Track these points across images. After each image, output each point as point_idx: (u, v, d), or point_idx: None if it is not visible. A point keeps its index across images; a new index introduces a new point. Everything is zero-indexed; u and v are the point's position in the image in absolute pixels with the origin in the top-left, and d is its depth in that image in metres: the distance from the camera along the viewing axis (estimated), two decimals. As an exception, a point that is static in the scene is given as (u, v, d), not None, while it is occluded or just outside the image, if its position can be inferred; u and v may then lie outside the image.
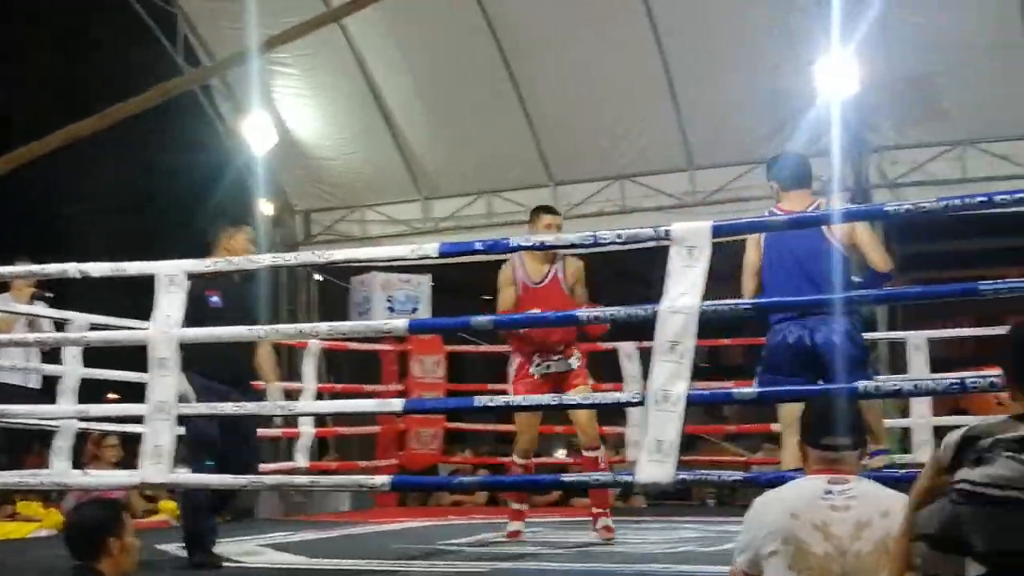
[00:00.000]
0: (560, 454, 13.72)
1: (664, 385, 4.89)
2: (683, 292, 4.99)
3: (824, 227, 5.66)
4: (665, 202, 12.31)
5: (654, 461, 4.87)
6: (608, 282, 19.64)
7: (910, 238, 12.70)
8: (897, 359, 11.02)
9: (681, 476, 4.90)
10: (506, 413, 9.27)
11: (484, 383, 12.11)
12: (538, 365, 6.95)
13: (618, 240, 5.30)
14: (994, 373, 5.12)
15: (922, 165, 11.61)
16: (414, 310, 12.06)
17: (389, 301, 11.97)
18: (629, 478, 4.98)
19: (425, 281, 12.28)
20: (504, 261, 7.02)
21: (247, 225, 6.58)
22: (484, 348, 11.73)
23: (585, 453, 7.12)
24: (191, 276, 5.63)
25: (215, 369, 6.07)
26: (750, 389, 5.14)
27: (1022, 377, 2.77)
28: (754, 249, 5.83)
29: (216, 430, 6.09)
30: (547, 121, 12.60)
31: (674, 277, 5.04)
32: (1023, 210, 4.87)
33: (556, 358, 6.98)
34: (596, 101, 12.20)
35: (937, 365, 9.70)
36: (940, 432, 9.93)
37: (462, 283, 16.27)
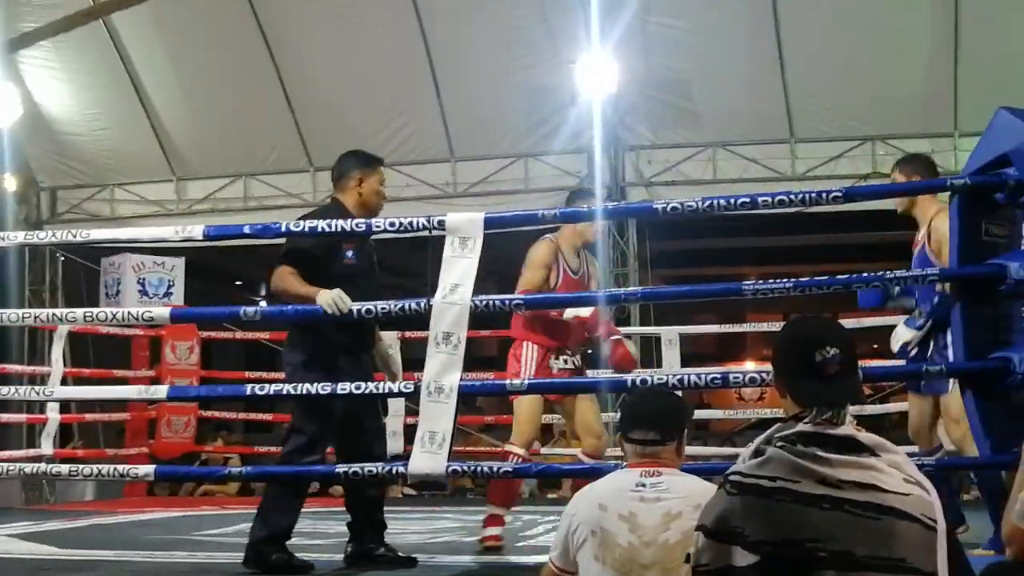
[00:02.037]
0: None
1: (437, 377, 4.88)
2: (456, 283, 4.98)
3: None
4: (426, 192, 12.33)
5: (427, 452, 4.85)
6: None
7: (661, 236, 13.13)
8: (647, 353, 11.36)
9: (453, 468, 4.90)
10: (272, 401, 9.09)
11: (239, 370, 11.91)
12: (557, 359, 6.24)
13: (391, 228, 5.24)
14: (751, 369, 5.32)
15: (676, 165, 11.98)
16: (167, 294, 11.74)
17: (141, 284, 11.61)
18: (402, 469, 4.94)
19: (179, 264, 11.96)
20: (540, 235, 6.38)
21: (382, 165, 5.85)
22: (239, 335, 11.51)
23: (587, 460, 6.23)
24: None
25: (322, 337, 5.46)
26: (520, 380, 5.19)
27: (788, 375, 2.83)
28: None
29: (330, 415, 5.44)
30: (308, 106, 12.45)
31: (447, 267, 5.03)
32: (771, 212, 5.07)
33: (574, 354, 6.33)
34: (359, 89, 12.13)
35: (683, 360, 10.04)
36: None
37: (214, 267, 15.96)
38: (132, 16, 11.93)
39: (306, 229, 5.21)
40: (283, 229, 5.35)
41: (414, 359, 10.57)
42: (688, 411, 3.74)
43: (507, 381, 5.09)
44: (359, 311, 5.10)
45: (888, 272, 4.88)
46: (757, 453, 2.75)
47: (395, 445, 9.99)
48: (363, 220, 5.36)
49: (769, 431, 2.78)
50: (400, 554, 5.63)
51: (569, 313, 6.16)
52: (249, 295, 20.41)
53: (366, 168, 5.71)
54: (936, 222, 5.63)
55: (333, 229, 5.16)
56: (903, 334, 5.84)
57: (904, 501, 2.59)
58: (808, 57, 11.21)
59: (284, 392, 5.19)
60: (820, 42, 11.12)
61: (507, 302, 5.07)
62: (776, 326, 9.27)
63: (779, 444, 2.69)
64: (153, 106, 12.65)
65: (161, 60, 12.39)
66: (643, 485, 3.30)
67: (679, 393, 4.52)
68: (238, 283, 20.53)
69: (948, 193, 4.71)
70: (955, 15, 10.63)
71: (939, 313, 5.50)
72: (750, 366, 18.05)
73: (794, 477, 2.60)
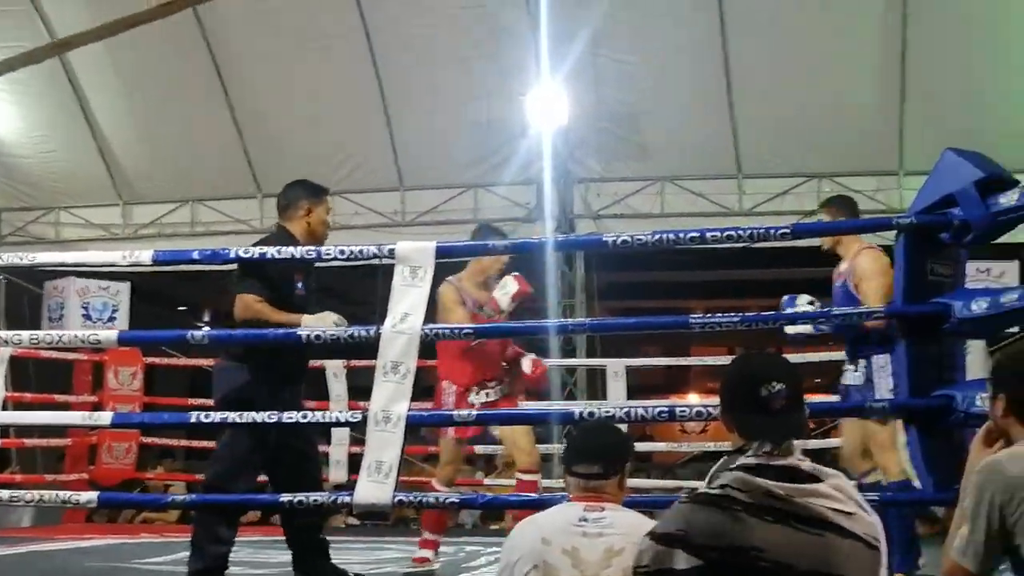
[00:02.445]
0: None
1: (385, 406, 4.87)
2: (406, 312, 4.98)
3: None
4: (375, 220, 12.31)
5: (373, 482, 4.83)
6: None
7: (608, 268, 13.18)
8: (592, 385, 11.39)
9: (399, 498, 4.88)
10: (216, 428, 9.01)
11: (182, 396, 11.79)
12: (478, 394, 6.42)
13: (341, 256, 5.24)
14: (697, 402, 5.35)
15: (624, 198, 12.04)
16: (111, 318, 11.62)
17: (85, 308, 11.49)
18: (347, 499, 4.91)
19: (124, 289, 11.84)
20: (440, 282, 6.29)
21: (328, 194, 5.81)
22: (183, 361, 11.40)
23: (522, 476, 6.47)
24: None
25: (267, 363, 5.40)
26: (468, 411, 5.17)
27: (735, 410, 2.89)
28: None
29: (252, 443, 5.35)
30: (257, 132, 12.41)
31: (397, 296, 5.03)
32: (719, 246, 5.12)
33: (494, 384, 6.50)
34: (309, 116, 12.13)
35: (628, 392, 10.04)
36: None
37: (160, 293, 15.84)
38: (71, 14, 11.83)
39: (256, 255, 5.20)
40: (232, 255, 5.32)
41: (359, 387, 10.56)
42: (631, 445, 3.75)
43: (455, 412, 5.07)
44: (308, 336, 5.09)
45: (834, 308, 4.96)
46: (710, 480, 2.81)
47: (338, 474, 9.94)
48: (313, 248, 5.35)
49: (715, 467, 2.82)
50: (352, 573, 5.60)
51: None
52: (194, 320, 20.27)
53: (314, 198, 5.67)
54: (860, 259, 5.79)
55: (284, 256, 5.15)
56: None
57: (847, 520, 2.66)
58: (756, 94, 11.32)
59: (230, 420, 5.14)
60: (768, 80, 11.24)
61: (457, 331, 5.08)
62: (721, 359, 9.33)
63: (732, 466, 2.76)
64: (101, 130, 12.56)
65: (110, 84, 12.32)
66: (586, 520, 3.26)
67: (624, 427, 4.57)
68: (182, 308, 20.36)
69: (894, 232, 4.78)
70: (902, 56, 10.79)
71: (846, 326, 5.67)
72: (694, 399, 18.13)
73: (742, 488, 2.66)
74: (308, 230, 5.64)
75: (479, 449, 10.11)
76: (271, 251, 5.18)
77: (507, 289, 6.29)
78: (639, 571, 2.73)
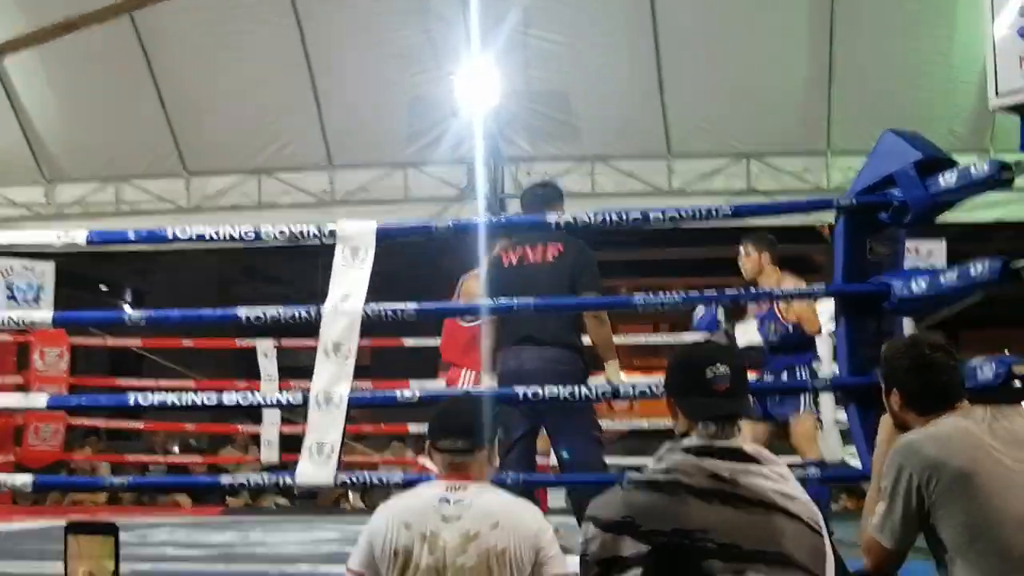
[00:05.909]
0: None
1: (327, 387, 4.86)
2: (347, 293, 4.98)
3: None
4: (303, 199, 12.19)
5: (315, 463, 4.82)
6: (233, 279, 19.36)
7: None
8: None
9: (342, 478, 4.86)
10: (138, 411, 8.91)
11: (104, 376, 11.66)
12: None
13: (281, 236, 5.22)
14: (642, 381, 5.39)
15: (554, 178, 11.97)
16: (36, 299, 11.39)
17: (9, 288, 11.25)
18: (288, 479, 4.89)
19: (49, 269, 11.61)
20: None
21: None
22: (110, 342, 11.27)
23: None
24: None
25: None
26: (410, 391, 5.17)
27: (680, 393, 2.94)
28: None
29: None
30: (184, 110, 12.19)
31: (338, 277, 5.02)
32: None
33: None
34: (236, 94, 11.93)
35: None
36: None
37: (76, 273, 15.59)
38: (5, 17, 11.61)
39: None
40: (169, 235, 5.28)
41: (293, 367, 10.49)
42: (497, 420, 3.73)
43: (398, 392, 5.06)
44: (247, 316, 5.04)
45: (775, 290, 5.01)
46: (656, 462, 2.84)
47: (270, 455, 9.91)
48: (251, 229, 5.30)
49: (660, 450, 2.86)
50: None
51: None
52: (115, 300, 20.02)
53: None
54: (786, 285, 6.12)
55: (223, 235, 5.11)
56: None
57: (790, 502, 2.72)
58: (686, 74, 11.33)
59: (170, 403, 5.09)
60: (698, 60, 11.24)
61: (400, 312, 5.06)
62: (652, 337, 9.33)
63: (676, 447, 2.79)
64: (22, 106, 12.30)
65: (32, 61, 12.04)
66: (447, 500, 3.20)
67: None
68: (104, 288, 20.09)
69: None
70: (830, 35, 10.86)
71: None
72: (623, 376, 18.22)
73: (687, 471, 2.70)
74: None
75: (412, 428, 10.14)
76: (209, 231, 5.14)
77: None
78: (585, 559, 2.74)
